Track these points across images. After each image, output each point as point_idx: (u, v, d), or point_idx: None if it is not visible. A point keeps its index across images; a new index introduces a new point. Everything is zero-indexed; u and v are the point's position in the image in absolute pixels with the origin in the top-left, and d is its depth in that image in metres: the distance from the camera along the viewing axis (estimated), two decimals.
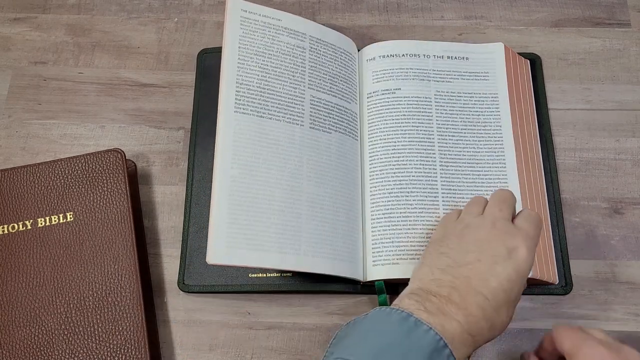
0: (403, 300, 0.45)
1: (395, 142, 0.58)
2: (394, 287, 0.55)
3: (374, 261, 0.55)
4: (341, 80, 0.61)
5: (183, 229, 0.58)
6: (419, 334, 0.41)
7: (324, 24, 0.62)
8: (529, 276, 0.53)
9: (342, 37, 0.63)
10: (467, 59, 0.63)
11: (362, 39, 0.66)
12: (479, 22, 0.68)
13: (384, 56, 0.62)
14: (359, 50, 0.64)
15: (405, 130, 0.59)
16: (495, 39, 0.66)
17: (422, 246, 0.54)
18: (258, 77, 0.57)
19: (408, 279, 0.54)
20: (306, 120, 0.57)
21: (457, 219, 0.51)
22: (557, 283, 0.56)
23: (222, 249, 0.50)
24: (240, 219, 0.52)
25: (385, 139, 0.59)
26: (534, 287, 0.56)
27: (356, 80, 0.62)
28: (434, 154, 0.58)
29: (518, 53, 0.65)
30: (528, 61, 0.65)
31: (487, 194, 0.57)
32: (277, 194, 0.54)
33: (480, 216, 0.50)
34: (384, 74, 0.62)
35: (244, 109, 0.55)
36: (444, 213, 0.56)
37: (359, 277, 0.55)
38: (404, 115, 0.59)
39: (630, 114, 0.64)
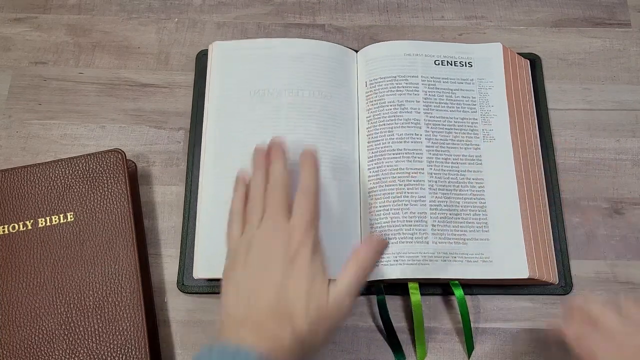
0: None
1: (390, 144, 0.58)
2: (393, 287, 0.55)
3: None
4: (341, 89, 0.61)
5: (182, 229, 0.58)
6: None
7: (324, 24, 0.62)
8: (529, 277, 0.53)
9: (337, 47, 0.63)
10: (465, 59, 0.63)
11: (362, 39, 0.66)
12: (479, 22, 0.68)
13: (383, 57, 0.62)
14: (358, 51, 0.64)
15: (401, 133, 0.59)
16: (496, 39, 0.66)
17: (423, 248, 0.54)
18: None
19: (407, 279, 0.54)
20: (310, 121, 0.57)
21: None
22: (557, 283, 0.56)
23: (207, 263, 0.52)
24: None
25: (381, 141, 0.59)
26: (533, 287, 0.56)
27: (355, 87, 0.62)
28: (432, 155, 0.58)
29: (518, 53, 0.65)
30: (528, 61, 0.65)
31: (485, 196, 0.57)
32: None
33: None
34: (383, 74, 0.62)
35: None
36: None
37: None
38: (400, 116, 0.59)
39: (630, 114, 0.64)
